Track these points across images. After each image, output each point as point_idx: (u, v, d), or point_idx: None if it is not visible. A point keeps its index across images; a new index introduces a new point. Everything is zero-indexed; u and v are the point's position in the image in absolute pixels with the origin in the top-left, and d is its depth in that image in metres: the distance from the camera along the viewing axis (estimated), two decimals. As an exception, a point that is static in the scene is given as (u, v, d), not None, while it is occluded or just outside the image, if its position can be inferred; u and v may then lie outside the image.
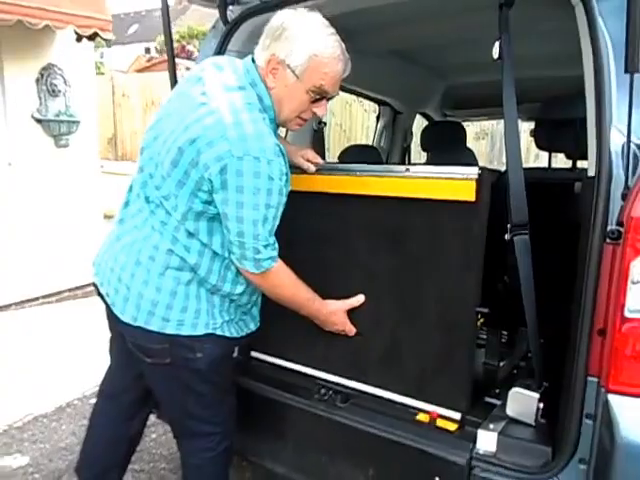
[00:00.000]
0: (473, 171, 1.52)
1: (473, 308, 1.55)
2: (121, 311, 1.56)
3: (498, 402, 1.64)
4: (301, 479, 1.76)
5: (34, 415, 2.92)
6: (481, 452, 1.44)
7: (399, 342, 1.66)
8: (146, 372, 1.66)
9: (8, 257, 4.43)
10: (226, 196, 1.41)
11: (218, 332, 1.57)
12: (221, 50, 2.04)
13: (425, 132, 3.32)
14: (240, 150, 1.37)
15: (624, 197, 1.24)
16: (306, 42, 1.46)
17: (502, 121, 1.59)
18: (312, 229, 1.81)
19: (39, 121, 4.63)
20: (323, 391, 1.74)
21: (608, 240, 1.26)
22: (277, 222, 1.51)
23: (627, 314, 1.19)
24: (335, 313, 1.71)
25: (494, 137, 8.07)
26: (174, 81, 2.06)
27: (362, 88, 3.41)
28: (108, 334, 1.77)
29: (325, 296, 1.70)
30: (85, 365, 3.39)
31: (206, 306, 1.55)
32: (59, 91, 4.69)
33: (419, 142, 3.40)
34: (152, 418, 2.01)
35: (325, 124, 3.00)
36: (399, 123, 3.83)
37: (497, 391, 1.70)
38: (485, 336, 1.89)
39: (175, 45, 10.60)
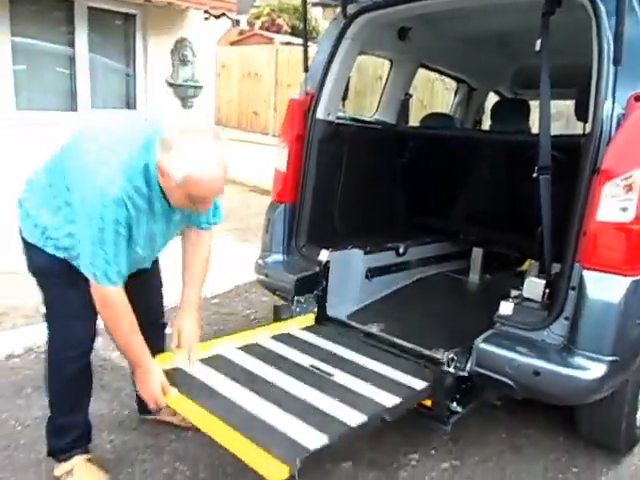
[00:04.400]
0: None
1: None
2: None
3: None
4: None
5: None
6: (502, 314, 2.17)
7: None
8: None
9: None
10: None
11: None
12: (340, 36, 2.80)
13: (495, 107, 3.96)
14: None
15: (607, 144, 1.92)
16: (184, 162, 1.63)
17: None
18: None
19: (171, 85, 5.63)
20: None
21: (595, 174, 1.95)
22: (118, 251, 1.72)
23: (598, 219, 1.88)
24: (149, 379, 1.88)
25: (569, 119, 8.33)
26: (306, 60, 2.83)
27: (445, 67, 4.10)
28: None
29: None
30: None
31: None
32: (188, 61, 5.66)
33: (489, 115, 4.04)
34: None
35: (411, 95, 3.73)
36: (473, 98, 4.47)
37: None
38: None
39: (265, 19, 11.50)
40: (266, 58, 10.99)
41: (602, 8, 2.02)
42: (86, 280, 1.80)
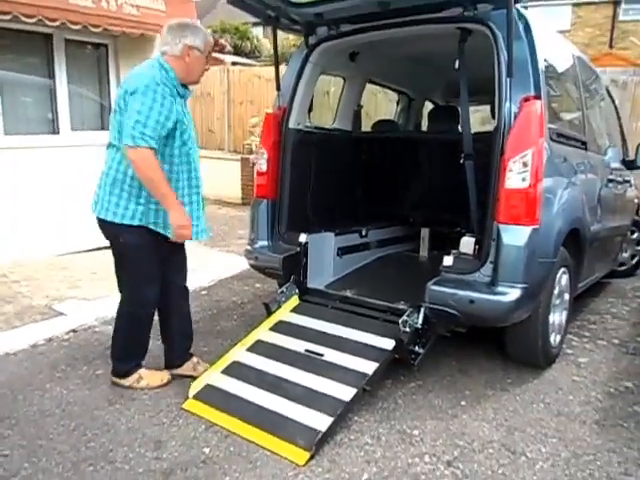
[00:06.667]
0: None
1: None
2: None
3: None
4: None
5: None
6: (445, 265, 2.88)
7: None
8: None
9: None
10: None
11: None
12: (304, 61, 3.49)
13: (431, 112, 4.76)
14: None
15: (508, 133, 2.68)
16: (199, 33, 2.57)
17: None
18: None
19: (142, 107, 6.16)
20: None
21: (502, 156, 2.70)
22: (157, 124, 2.36)
23: (506, 187, 2.64)
24: (181, 211, 2.57)
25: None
26: (278, 80, 3.50)
27: (388, 82, 4.90)
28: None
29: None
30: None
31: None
32: (157, 84, 6.20)
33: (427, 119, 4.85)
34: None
35: (362, 107, 4.47)
36: (413, 107, 5.29)
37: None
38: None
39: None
40: (218, 78, 11.58)
41: (499, 35, 2.79)
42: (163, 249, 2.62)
